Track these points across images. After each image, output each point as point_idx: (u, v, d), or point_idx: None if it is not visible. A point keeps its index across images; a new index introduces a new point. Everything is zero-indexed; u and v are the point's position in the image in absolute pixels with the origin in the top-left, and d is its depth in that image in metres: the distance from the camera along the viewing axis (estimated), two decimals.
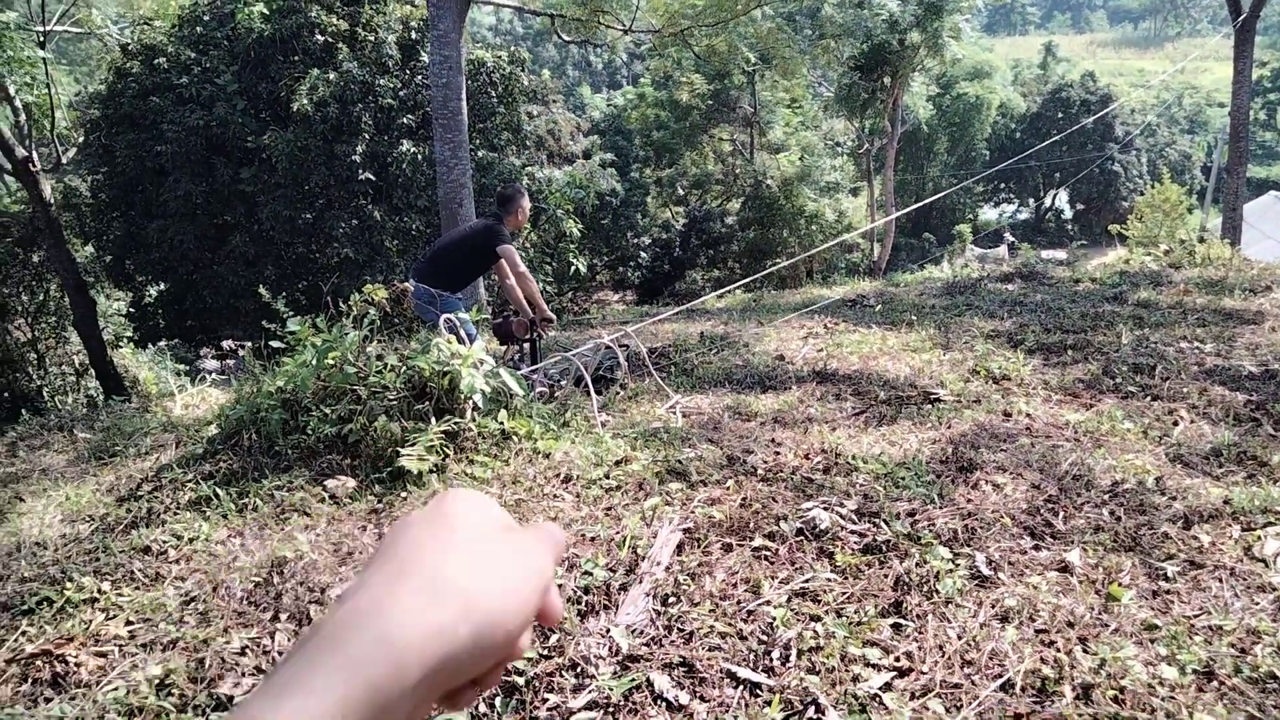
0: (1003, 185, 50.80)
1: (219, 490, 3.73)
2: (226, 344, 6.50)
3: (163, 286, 16.38)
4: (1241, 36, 15.23)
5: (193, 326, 16.58)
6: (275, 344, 4.55)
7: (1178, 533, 3.04)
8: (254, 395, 4.33)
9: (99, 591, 2.94)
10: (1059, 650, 2.35)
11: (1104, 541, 3.00)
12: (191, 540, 3.33)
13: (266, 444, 4.10)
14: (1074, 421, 4.39)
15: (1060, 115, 46.60)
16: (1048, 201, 52.86)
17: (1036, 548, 2.97)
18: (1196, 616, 2.53)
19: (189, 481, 3.89)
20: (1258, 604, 2.58)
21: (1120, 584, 2.69)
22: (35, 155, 15.17)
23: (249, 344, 5.35)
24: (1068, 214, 52.04)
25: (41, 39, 14.34)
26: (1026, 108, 49.95)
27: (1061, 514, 3.21)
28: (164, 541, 3.31)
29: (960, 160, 45.26)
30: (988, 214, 52.66)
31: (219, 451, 4.21)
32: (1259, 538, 2.95)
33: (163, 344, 17.13)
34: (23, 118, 15.16)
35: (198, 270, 15.20)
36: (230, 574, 3.00)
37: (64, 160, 16.34)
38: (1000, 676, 2.24)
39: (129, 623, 2.74)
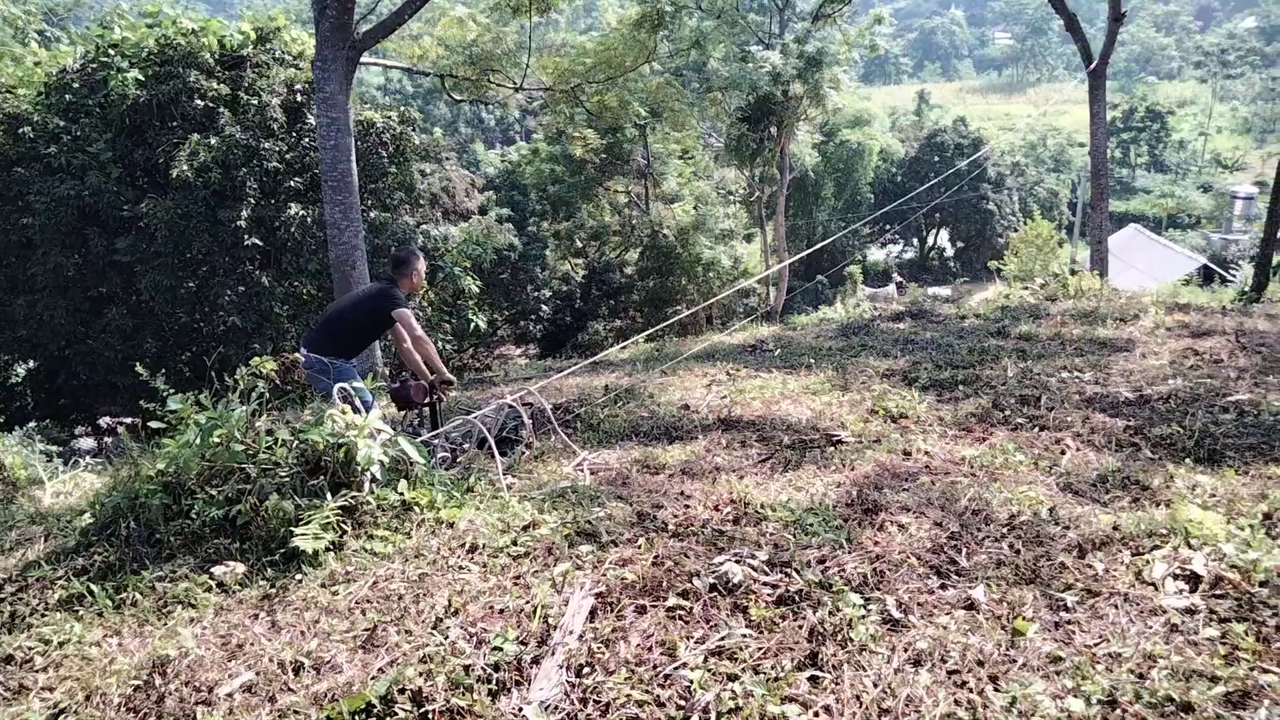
0: (888, 226, 52.96)
1: (93, 586, 3.45)
2: (104, 422, 6.11)
3: (31, 364, 15.40)
4: (1094, 82, 16.39)
5: (66, 405, 15.61)
6: (155, 424, 4.29)
7: (1074, 562, 3.13)
8: (132, 480, 4.06)
9: None
10: (971, 690, 2.37)
11: (1006, 576, 3.06)
12: (62, 644, 3.06)
13: (147, 532, 3.83)
14: (969, 456, 4.52)
15: (937, 159, 49.10)
16: (930, 240, 55.38)
17: (943, 586, 3.01)
18: (1097, 645, 2.59)
19: (59, 579, 3.60)
20: (1151, 628, 2.66)
21: (1024, 618, 2.74)
22: None
23: (128, 421, 5.03)
24: (950, 252, 54.62)
25: None
26: (905, 152, 52.43)
27: (964, 550, 3.27)
28: (29, 648, 3.04)
29: (847, 204, 47.06)
30: (875, 254, 54.72)
31: (93, 543, 3.91)
32: (1148, 561, 3.07)
33: (31, 425, 16.05)
34: None
35: (70, 345, 14.35)
36: (106, 679, 2.76)
37: None
38: None
39: None
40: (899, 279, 44.93)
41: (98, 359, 14.21)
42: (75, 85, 14.52)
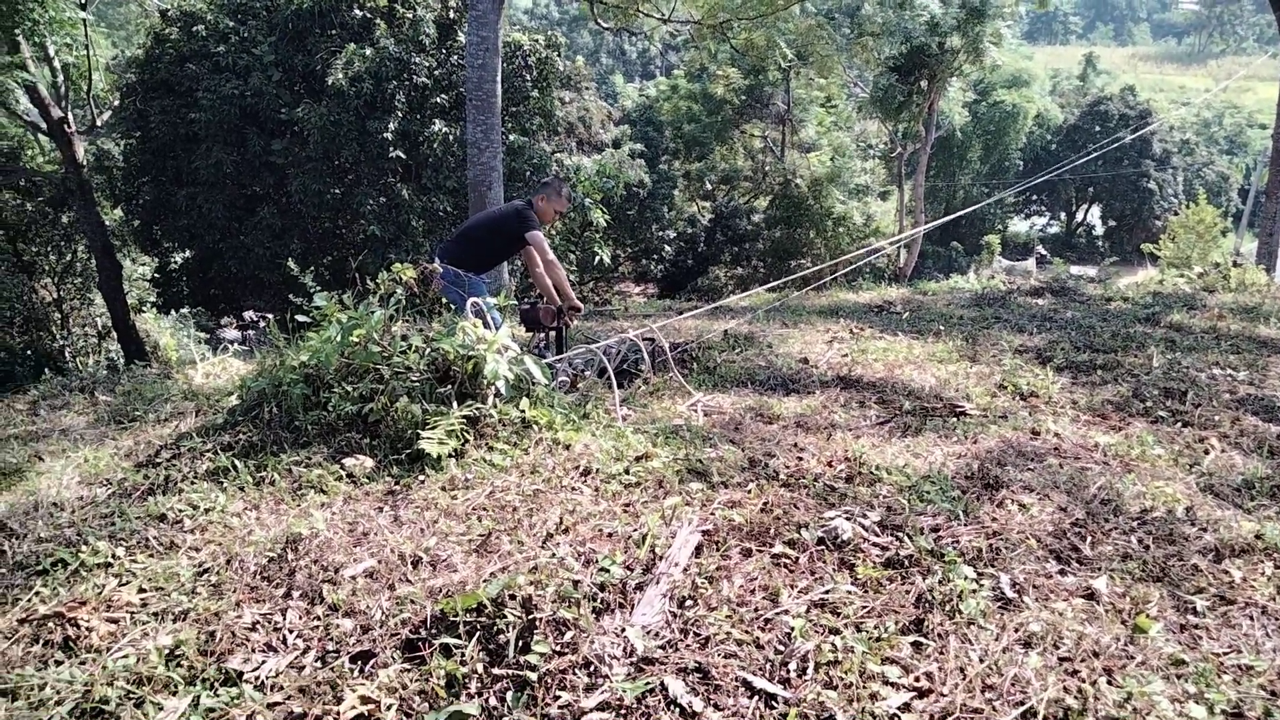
0: (1034, 197, 50.27)
1: (237, 462, 3.72)
2: (249, 314, 6.49)
3: (188, 253, 16.47)
4: None
5: (216, 295, 16.67)
6: (300, 318, 4.53)
7: (1208, 566, 2.97)
8: (276, 368, 4.31)
9: (113, 557, 2.93)
10: (1083, 680, 2.29)
11: (1132, 570, 2.93)
12: (207, 511, 3.32)
13: (287, 418, 4.08)
14: (1103, 444, 4.31)
15: (1098, 128, 46.00)
16: (1080, 216, 52.27)
17: (1062, 572, 2.90)
18: (1226, 654, 2.46)
19: (207, 451, 3.89)
20: None
21: (1148, 615, 2.62)
22: (71, 116, 15.30)
23: (271, 316, 5.33)
24: (1099, 230, 51.45)
25: (82, 0, 14.41)
26: (1063, 119, 49.33)
27: (1089, 539, 3.15)
28: (180, 510, 3.31)
29: (993, 169, 44.74)
30: (1017, 225, 52.11)
31: (239, 423, 4.20)
32: None
33: (185, 311, 17.24)
34: (60, 79, 15.28)
35: (224, 239, 15.26)
36: (245, 547, 2.98)
37: (98, 123, 16.47)
38: (1022, 704, 2.19)
39: (141, 590, 2.73)
40: (1041, 253, 42.75)
41: (247, 254, 15.08)
42: None
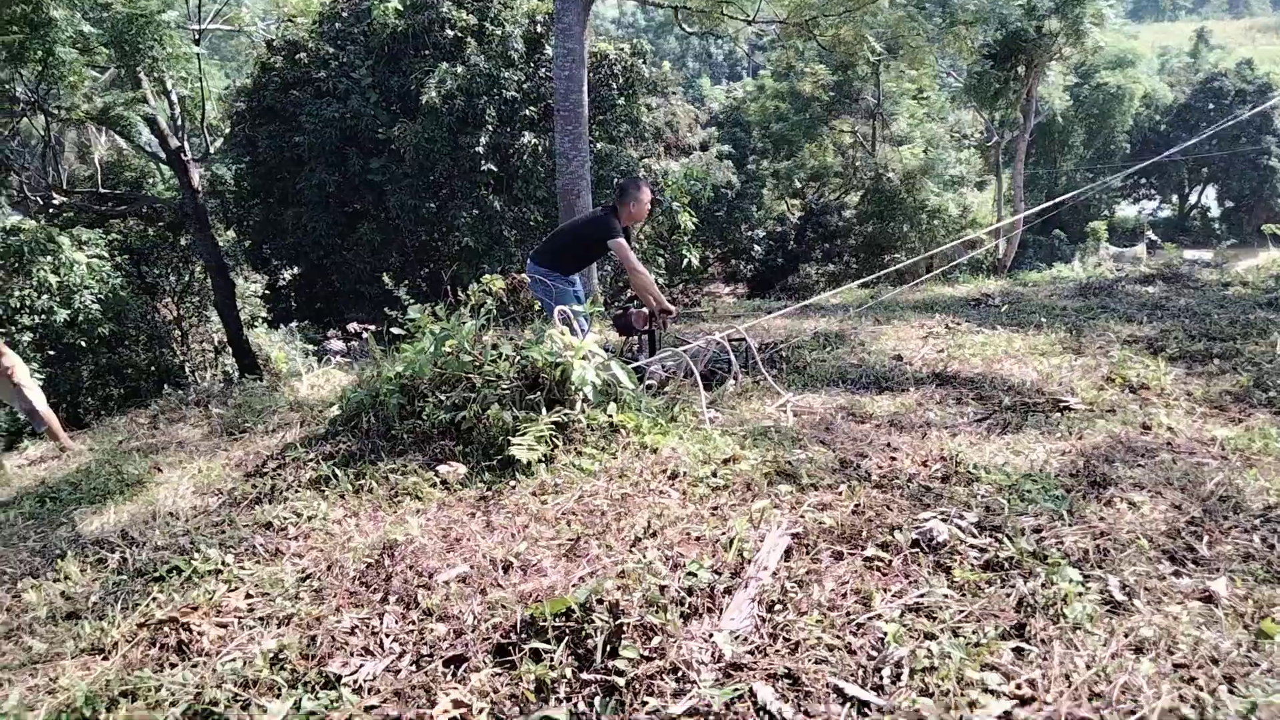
0: (1143, 181, 47.87)
1: (338, 470, 3.85)
2: (352, 327, 6.74)
3: (296, 270, 17.25)
4: None
5: (321, 309, 17.40)
6: (396, 330, 4.68)
7: None
8: (374, 380, 4.46)
9: (223, 564, 3.08)
10: (1201, 689, 2.16)
11: (1254, 571, 2.75)
12: (310, 518, 3.46)
13: (384, 427, 4.22)
14: (1221, 438, 4.06)
15: (1211, 106, 43.54)
16: (1193, 198, 49.49)
17: (1177, 574, 2.74)
18: None
19: (310, 460, 4.05)
20: None
21: (1273, 620, 2.46)
22: (187, 145, 16.20)
23: (372, 328, 5.54)
24: (1215, 212, 48.62)
25: (197, 36, 15.26)
26: (1174, 98, 46.82)
27: (1206, 538, 2.97)
28: (285, 518, 3.45)
29: (1098, 154, 42.79)
30: (1125, 210, 49.71)
31: (339, 432, 4.36)
32: None
33: (293, 325, 18.06)
34: (177, 110, 16.20)
35: (328, 256, 15.91)
36: (344, 553, 3.09)
37: (212, 150, 17.41)
38: (1133, 713, 2.07)
39: (249, 596, 2.86)
40: (1151, 238, 40.66)
41: (350, 269, 15.68)
42: (344, 14, 15.75)
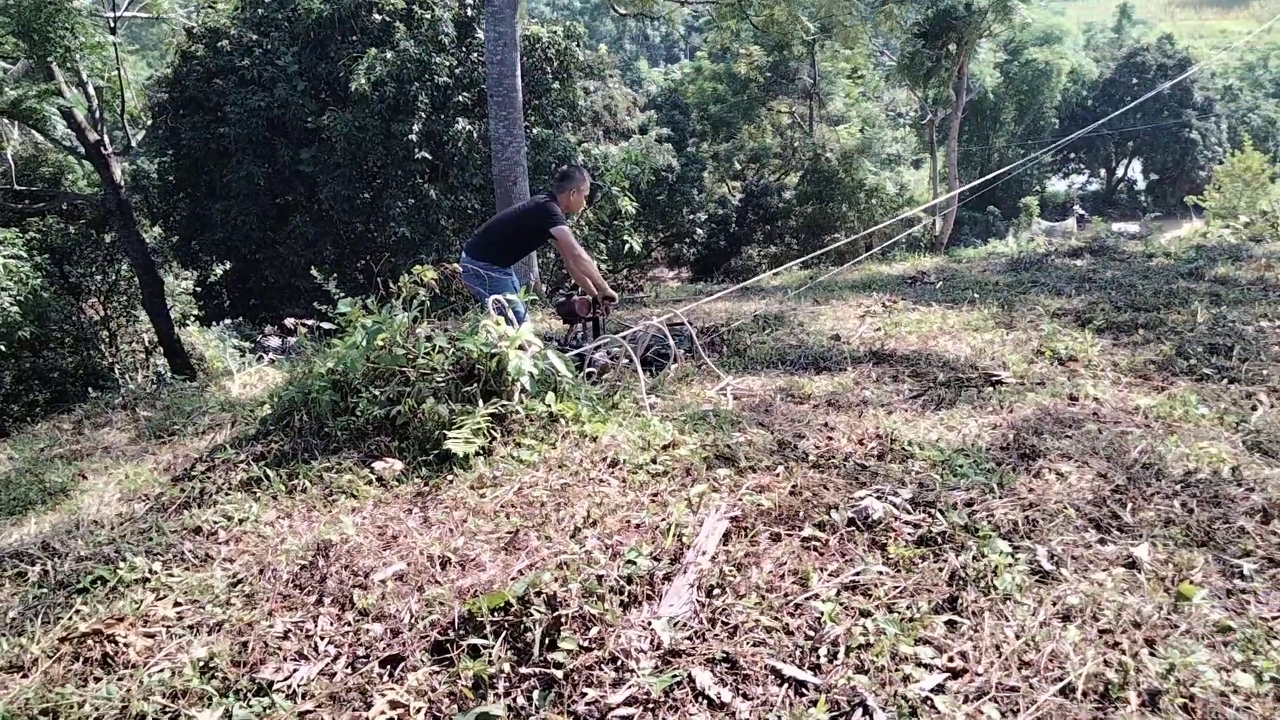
0: (1072, 155, 49.11)
1: (269, 471, 3.76)
2: (289, 322, 6.57)
3: (227, 266, 16.78)
4: None
5: (256, 305, 16.98)
6: (327, 325, 4.57)
7: (1255, 527, 2.87)
8: (306, 376, 4.36)
9: (150, 572, 2.98)
10: (1124, 652, 2.23)
11: (1175, 536, 2.84)
12: (241, 521, 3.37)
13: (317, 425, 4.13)
14: (1145, 406, 4.19)
15: (1135, 81, 44.82)
16: (1120, 172, 50.94)
17: (1102, 541, 2.82)
18: (1276, 619, 2.37)
19: (241, 462, 3.94)
20: None
21: (1192, 582, 2.54)
22: (106, 138, 15.61)
23: (310, 323, 5.41)
24: (1141, 185, 50.15)
25: (112, 24, 14.68)
26: (1099, 73, 48.07)
27: (1130, 506, 3.05)
28: (215, 522, 3.35)
29: (1028, 130, 43.79)
30: (1056, 185, 50.93)
31: (271, 432, 4.25)
32: None
33: (227, 322, 17.59)
34: (94, 102, 15.59)
35: (260, 250, 15.52)
36: (277, 556, 3.02)
37: (133, 143, 16.80)
38: (1060, 680, 2.13)
39: (177, 604, 2.78)
40: (1080, 212, 41.77)
41: (283, 263, 15.32)
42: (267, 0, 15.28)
